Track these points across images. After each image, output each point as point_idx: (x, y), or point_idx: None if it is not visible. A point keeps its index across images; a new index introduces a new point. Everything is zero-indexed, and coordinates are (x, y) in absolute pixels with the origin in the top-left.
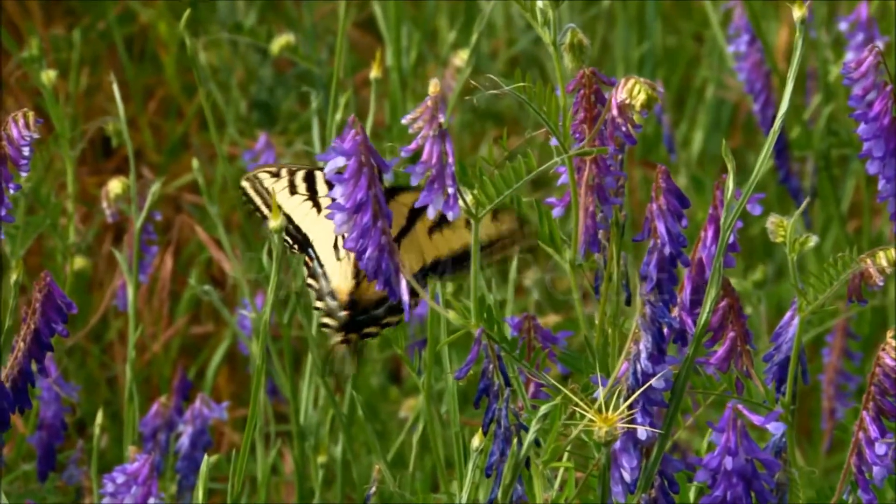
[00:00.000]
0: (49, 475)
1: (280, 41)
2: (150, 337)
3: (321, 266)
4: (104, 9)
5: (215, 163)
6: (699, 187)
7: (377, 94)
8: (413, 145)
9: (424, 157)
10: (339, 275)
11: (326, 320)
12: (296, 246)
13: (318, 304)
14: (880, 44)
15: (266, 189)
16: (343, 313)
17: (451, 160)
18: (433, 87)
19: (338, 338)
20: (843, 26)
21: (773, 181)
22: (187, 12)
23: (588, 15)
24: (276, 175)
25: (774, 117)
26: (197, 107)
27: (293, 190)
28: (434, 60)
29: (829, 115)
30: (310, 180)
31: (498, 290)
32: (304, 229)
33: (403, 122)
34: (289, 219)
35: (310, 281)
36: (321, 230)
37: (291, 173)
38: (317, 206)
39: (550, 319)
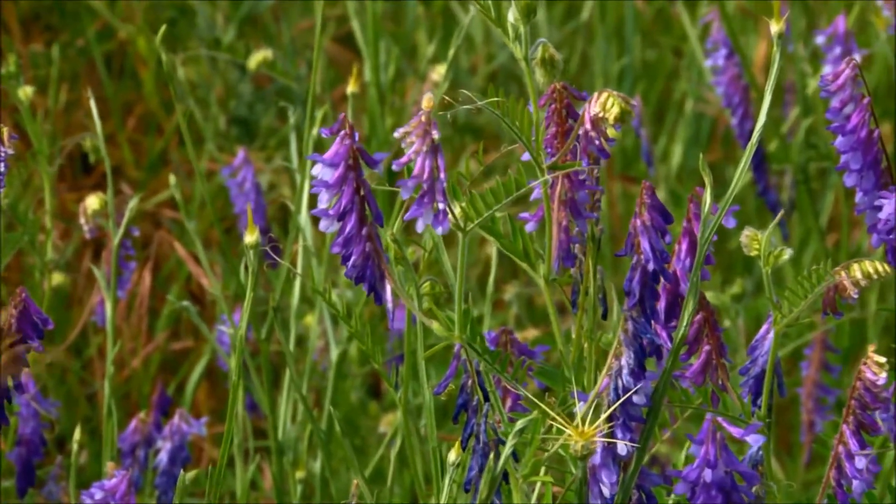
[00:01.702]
0: (28, 491)
1: (257, 57)
2: (130, 353)
3: None
4: (83, 25)
5: (195, 178)
6: (678, 201)
7: (356, 109)
8: (404, 159)
9: (416, 171)
10: None
11: None
12: None
13: None
14: (858, 57)
15: None
16: None
17: (442, 175)
18: (427, 101)
19: None
20: (820, 40)
21: (752, 194)
22: (162, 29)
23: (567, 29)
24: None
25: (752, 131)
26: (176, 123)
27: None
28: (413, 75)
29: (807, 128)
30: None
31: (475, 305)
32: None
33: (396, 135)
34: None
35: None
36: None
37: None
38: None
39: (530, 334)
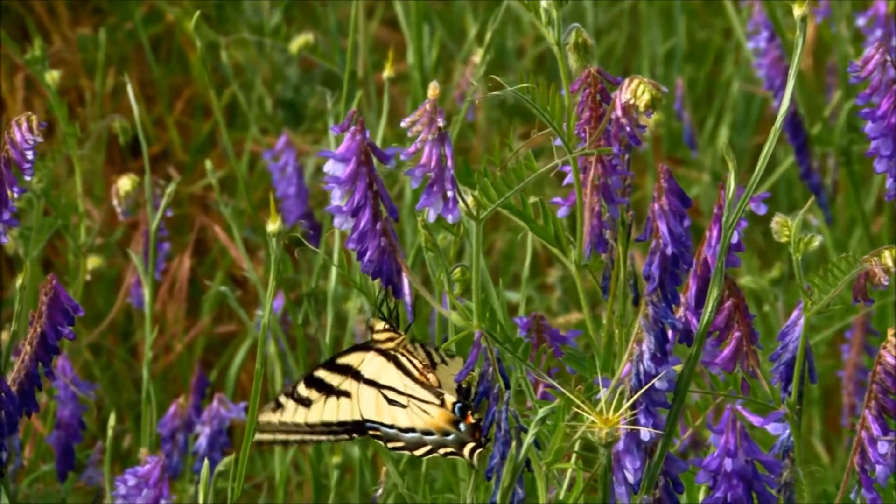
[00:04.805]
0: (68, 475)
1: (299, 41)
2: (175, 337)
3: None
4: (131, 8)
5: (242, 160)
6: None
7: (402, 93)
8: (412, 148)
9: (423, 160)
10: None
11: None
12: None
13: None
14: None
15: (280, 425)
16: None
17: (450, 163)
18: (432, 90)
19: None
20: (860, 22)
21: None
22: (196, 14)
23: (614, 11)
24: (279, 405)
25: (795, 113)
26: (224, 105)
27: (306, 402)
28: (461, 58)
29: (849, 110)
30: (314, 383)
31: (519, 289)
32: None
33: (402, 125)
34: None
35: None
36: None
37: (289, 394)
38: (341, 393)
39: (573, 317)
